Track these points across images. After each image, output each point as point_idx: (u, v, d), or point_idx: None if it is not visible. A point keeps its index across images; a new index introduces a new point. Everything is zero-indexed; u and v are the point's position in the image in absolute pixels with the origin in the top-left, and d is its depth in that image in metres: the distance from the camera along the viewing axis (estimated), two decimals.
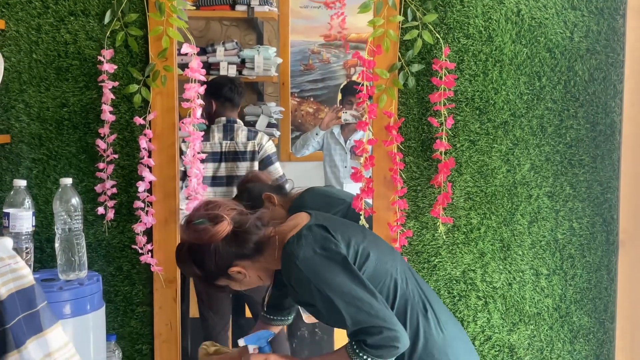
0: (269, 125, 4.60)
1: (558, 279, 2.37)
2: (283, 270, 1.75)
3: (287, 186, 2.97)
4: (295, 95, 5.00)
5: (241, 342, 1.67)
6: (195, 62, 2.32)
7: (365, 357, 1.64)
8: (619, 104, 2.32)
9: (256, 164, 3.17)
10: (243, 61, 4.49)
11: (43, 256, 2.38)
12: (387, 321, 1.64)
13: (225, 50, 4.53)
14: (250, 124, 4.60)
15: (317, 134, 4.18)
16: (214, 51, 4.49)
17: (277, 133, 4.66)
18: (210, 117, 3.38)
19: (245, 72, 4.48)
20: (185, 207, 2.38)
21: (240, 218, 1.75)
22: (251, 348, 1.66)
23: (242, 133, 3.16)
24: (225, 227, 1.71)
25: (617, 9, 2.30)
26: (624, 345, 2.36)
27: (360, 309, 1.63)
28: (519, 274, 2.36)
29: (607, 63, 2.32)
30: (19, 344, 1.57)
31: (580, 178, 2.35)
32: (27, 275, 1.66)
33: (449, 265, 2.36)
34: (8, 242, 1.68)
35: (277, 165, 3.26)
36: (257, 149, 3.15)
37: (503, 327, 2.37)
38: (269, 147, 3.21)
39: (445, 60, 2.26)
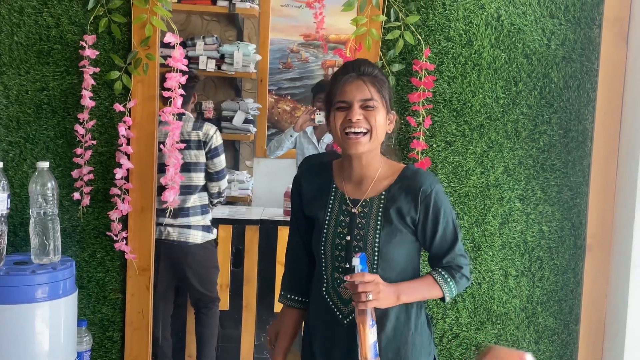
0: (246, 121, 4.61)
1: (526, 280, 2.42)
2: (419, 183, 1.77)
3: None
4: (273, 92, 5.01)
5: (356, 261, 1.66)
6: (178, 52, 2.33)
7: (452, 285, 1.79)
8: (591, 111, 2.38)
9: (202, 153, 3.22)
10: (222, 56, 4.49)
11: (16, 239, 2.36)
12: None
13: (205, 44, 4.53)
14: (228, 119, 4.61)
15: (291, 136, 4.21)
16: (194, 45, 4.49)
17: (254, 129, 4.67)
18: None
19: (224, 67, 4.48)
20: (162, 197, 2.38)
21: None
22: (359, 268, 1.66)
23: (187, 124, 3.21)
24: None
25: (594, 19, 2.37)
26: (587, 347, 2.42)
27: (461, 243, 1.84)
28: (488, 274, 2.41)
29: (581, 71, 2.38)
30: None
31: (551, 182, 2.40)
32: None
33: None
34: None
35: (222, 157, 3.32)
36: (203, 139, 3.21)
37: (471, 325, 2.42)
38: (216, 139, 3.27)
39: (425, 61, 2.30)
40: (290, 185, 3.97)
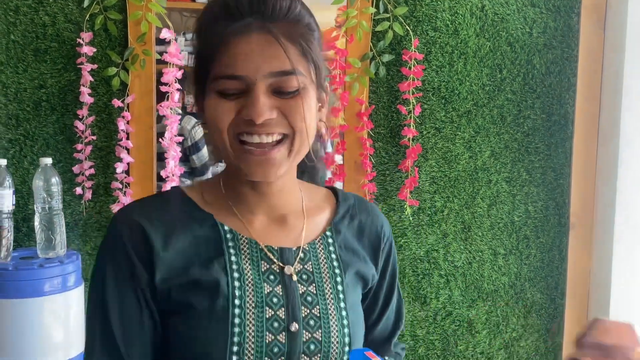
0: None
1: (514, 258, 2.54)
2: (379, 221, 1.14)
3: None
4: None
5: None
6: (174, 47, 2.38)
7: None
8: (572, 96, 2.50)
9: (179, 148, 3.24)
10: None
11: (19, 235, 2.40)
12: None
13: (186, 40, 4.57)
14: None
15: None
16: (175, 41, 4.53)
17: None
18: None
19: None
20: (163, 189, 2.44)
21: None
22: None
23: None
24: None
25: (573, 7, 2.48)
26: (572, 320, 2.55)
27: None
28: (478, 253, 2.52)
29: (562, 57, 2.50)
30: None
31: (535, 165, 2.52)
32: None
33: (414, 245, 2.50)
34: None
35: (204, 151, 3.32)
36: (181, 133, 3.22)
37: (463, 303, 2.53)
38: (195, 133, 3.25)
39: (414, 51, 2.40)
40: None
